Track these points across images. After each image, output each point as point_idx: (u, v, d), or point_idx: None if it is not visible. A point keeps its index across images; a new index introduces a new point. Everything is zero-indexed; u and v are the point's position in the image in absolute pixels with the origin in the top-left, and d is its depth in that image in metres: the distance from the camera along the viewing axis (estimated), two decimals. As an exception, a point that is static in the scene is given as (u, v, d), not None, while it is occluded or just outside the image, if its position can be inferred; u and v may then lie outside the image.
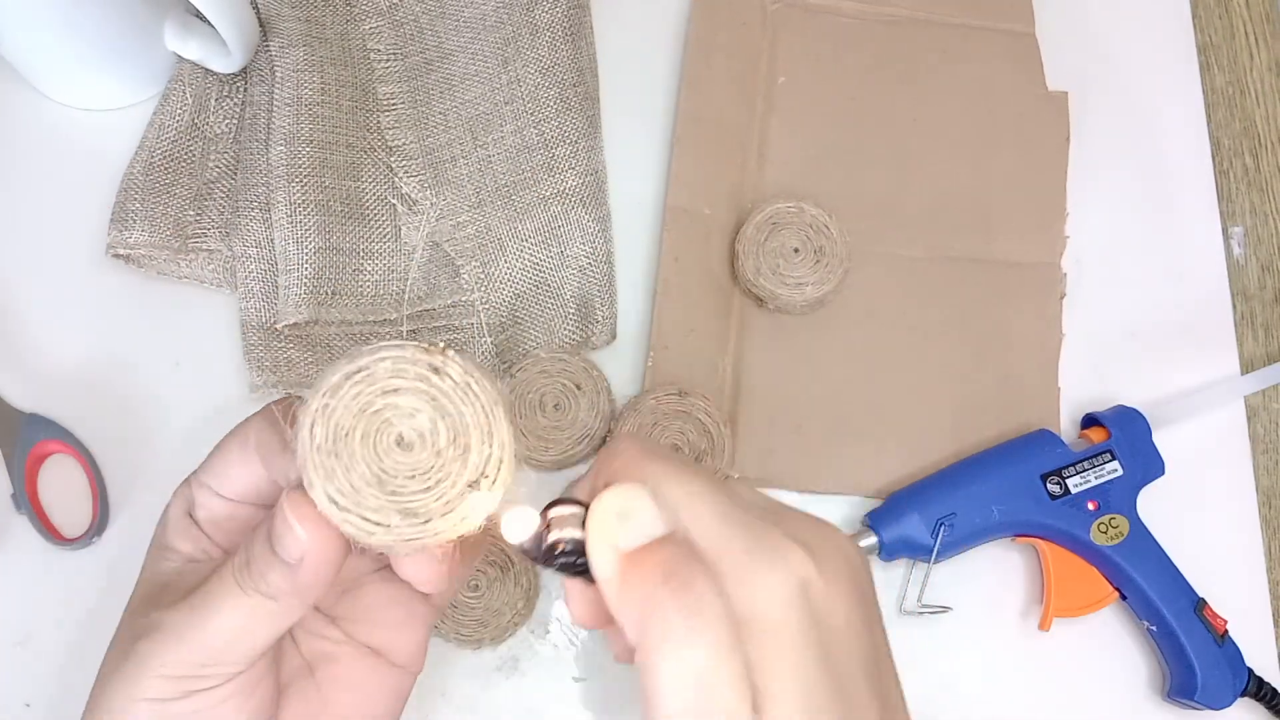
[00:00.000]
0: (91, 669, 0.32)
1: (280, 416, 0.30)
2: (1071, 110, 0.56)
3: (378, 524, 0.27)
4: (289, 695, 0.33)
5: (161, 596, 0.31)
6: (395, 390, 0.27)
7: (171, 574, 0.32)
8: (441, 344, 0.28)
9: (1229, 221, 0.56)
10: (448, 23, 0.53)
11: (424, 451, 0.27)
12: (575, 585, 0.30)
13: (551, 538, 0.28)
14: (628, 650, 0.30)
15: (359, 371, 0.27)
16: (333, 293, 0.48)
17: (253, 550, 0.29)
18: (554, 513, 0.29)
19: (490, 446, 0.28)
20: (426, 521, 0.27)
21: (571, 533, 0.28)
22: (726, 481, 0.30)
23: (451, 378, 0.28)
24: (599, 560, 0.28)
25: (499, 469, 0.28)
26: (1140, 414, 0.49)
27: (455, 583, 0.33)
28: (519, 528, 0.28)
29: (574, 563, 0.28)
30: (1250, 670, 0.46)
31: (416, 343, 0.28)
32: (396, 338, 0.48)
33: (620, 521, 0.28)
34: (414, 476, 0.27)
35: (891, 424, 0.50)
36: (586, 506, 0.29)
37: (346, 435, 0.27)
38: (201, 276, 0.49)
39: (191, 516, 0.33)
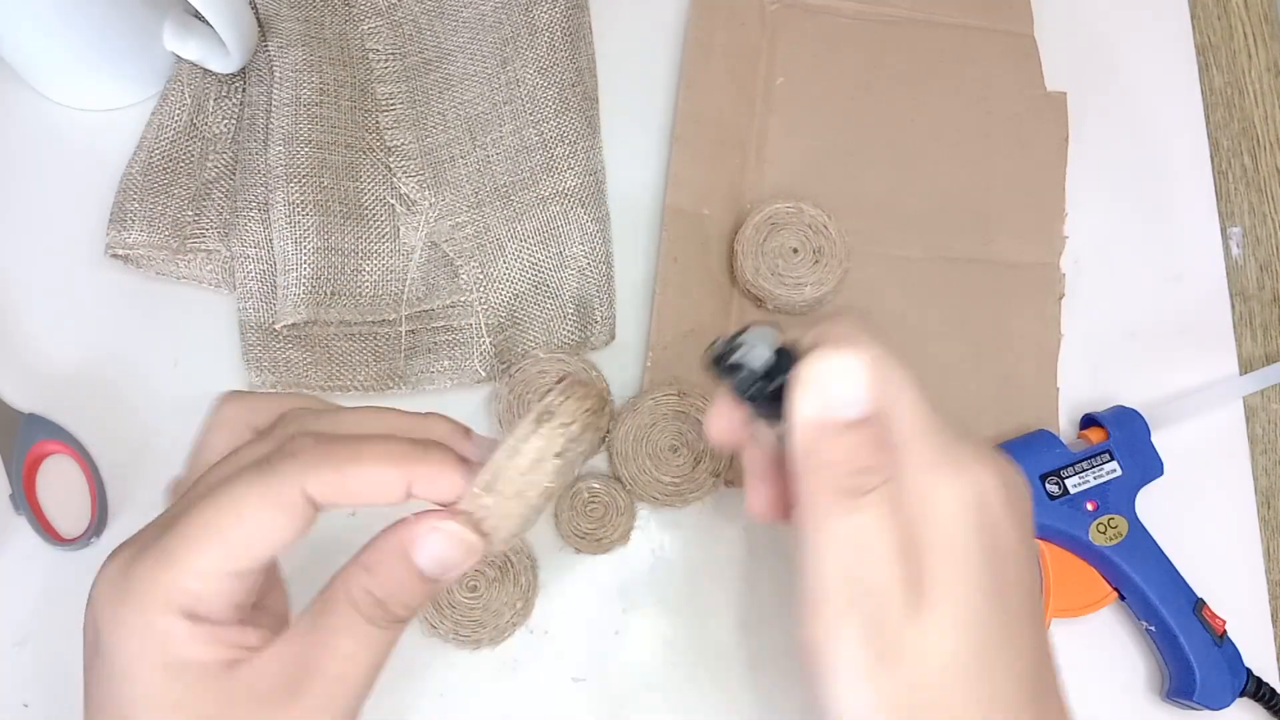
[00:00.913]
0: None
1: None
2: (1070, 111, 0.56)
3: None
4: None
5: (252, 698, 0.28)
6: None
7: (225, 681, 0.28)
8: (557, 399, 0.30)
9: (1227, 222, 0.56)
10: (446, 23, 0.53)
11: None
12: (718, 407, 0.31)
13: (738, 356, 0.29)
14: (770, 501, 0.32)
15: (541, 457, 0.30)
16: (331, 293, 0.48)
17: (387, 581, 0.29)
18: (747, 334, 0.29)
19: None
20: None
21: (762, 351, 0.29)
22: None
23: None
24: (805, 405, 0.29)
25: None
26: (1139, 414, 0.49)
27: None
28: (761, 346, 0.29)
29: (768, 389, 0.29)
30: (1249, 670, 0.46)
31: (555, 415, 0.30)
32: (395, 339, 0.48)
33: (832, 381, 0.29)
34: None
35: (890, 424, 0.50)
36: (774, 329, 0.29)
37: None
38: (200, 277, 0.49)
39: (193, 617, 0.28)
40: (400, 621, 0.29)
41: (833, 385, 0.29)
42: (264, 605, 0.31)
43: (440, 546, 0.29)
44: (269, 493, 0.28)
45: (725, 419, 0.32)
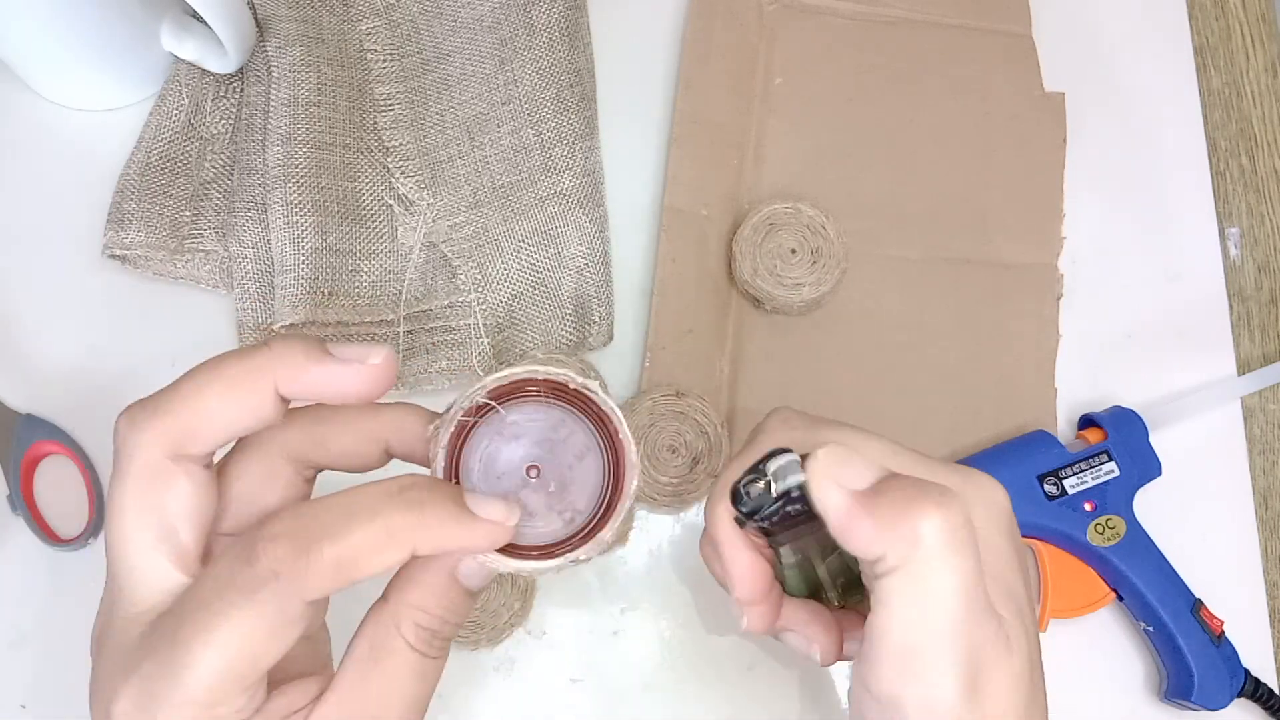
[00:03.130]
0: (87, 670, 0.32)
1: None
2: (1068, 111, 0.56)
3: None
4: None
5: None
6: None
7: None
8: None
9: (1225, 222, 0.56)
10: (445, 23, 0.53)
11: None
12: (741, 551, 0.32)
13: (779, 487, 0.29)
14: (800, 628, 0.33)
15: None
16: (329, 293, 0.48)
17: (439, 609, 0.28)
18: (772, 465, 0.29)
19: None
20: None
21: (796, 478, 0.29)
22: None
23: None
24: (832, 497, 0.29)
25: None
26: (1137, 415, 0.49)
27: None
28: (786, 474, 0.29)
29: (793, 512, 0.29)
30: (1247, 671, 0.46)
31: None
32: (393, 339, 0.48)
33: (844, 466, 0.29)
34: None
35: (888, 425, 0.50)
36: (793, 454, 0.29)
37: None
38: (198, 277, 0.49)
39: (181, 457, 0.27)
40: (449, 641, 0.29)
41: (841, 470, 0.29)
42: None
43: (481, 572, 0.28)
44: (241, 372, 0.27)
45: (753, 574, 0.32)
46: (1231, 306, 0.55)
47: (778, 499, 0.29)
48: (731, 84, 0.54)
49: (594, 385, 0.29)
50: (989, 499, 0.32)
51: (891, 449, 0.32)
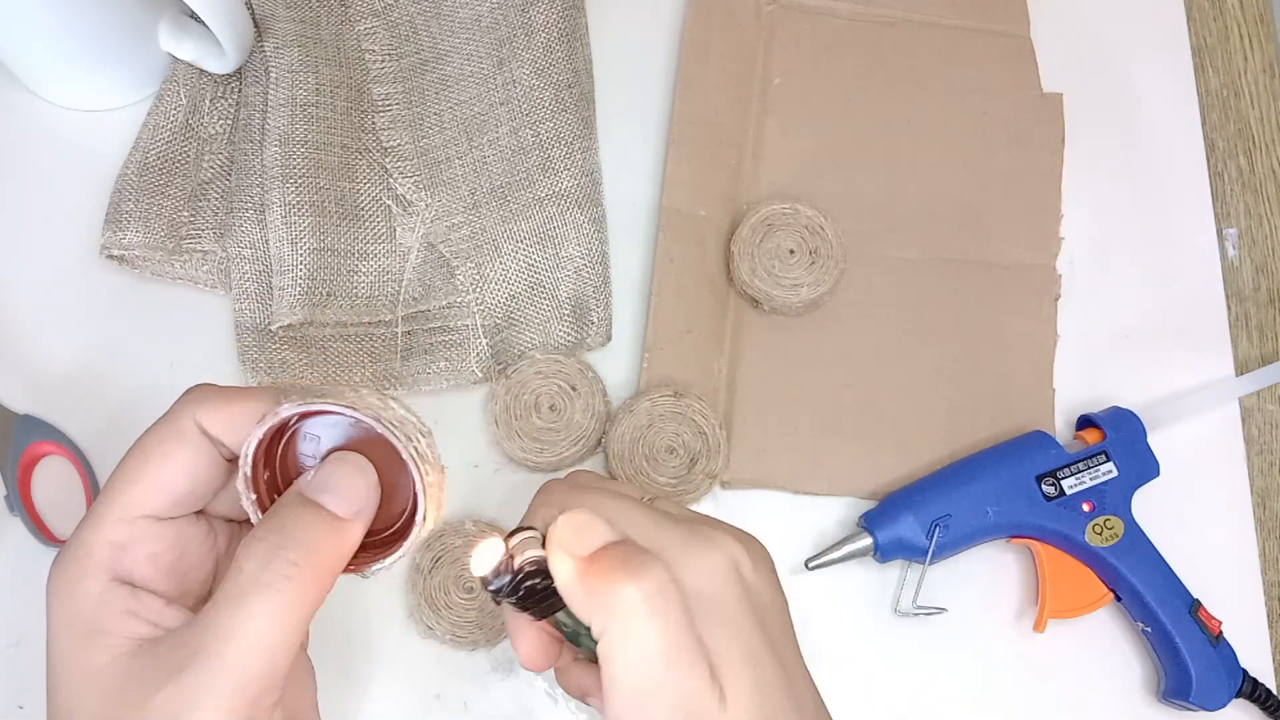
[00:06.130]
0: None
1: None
2: (1066, 112, 0.56)
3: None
4: None
5: (151, 680, 0.27)
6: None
7: (133, 661, 0.28)
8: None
9: (1223, 223, 0.56)
10: (443, 23, 0.53)
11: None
12: (522, 623, 0.33)
13: (518, 561, 0.31)
14: (578, 686, 0.35)
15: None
16: (328, 294, 0.48)
17: (283, 529, 0.29)
18: (514, 540, 0.31)
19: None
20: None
21: (533, 553, 0.31)
22: (653, 500, 0.35)
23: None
24: (561, 567, 0.30)
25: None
26: (1135, 415, 0.49)
27: None
28: (486, 558, 0.30)
29: (538, 585, 0.31)
30: (1245, 671, 0.46)
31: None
32: (391, 340, 0.48)
33: (576, 535, 0.31)
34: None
35: (887, 425, 0.50)
36: (534, 531, 0.31)
37: None
38: (196, 278, 0.49)
39: (117, 579, 0.29)
40: (301, 583, 0.28)
41: (575, 539, 0.31)
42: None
43: (335, 472, 0.30)
44: (165, 428, 0.30)
45: (533, 640, 0.34)
46: (1229, 307, 0.55)
47: (517, 574, 0.31)
48: (730, 85, 0.54)
49: (391, 417, 0.30)
50: (756, 548, 0.33)
51: (633, 512, 0.33)
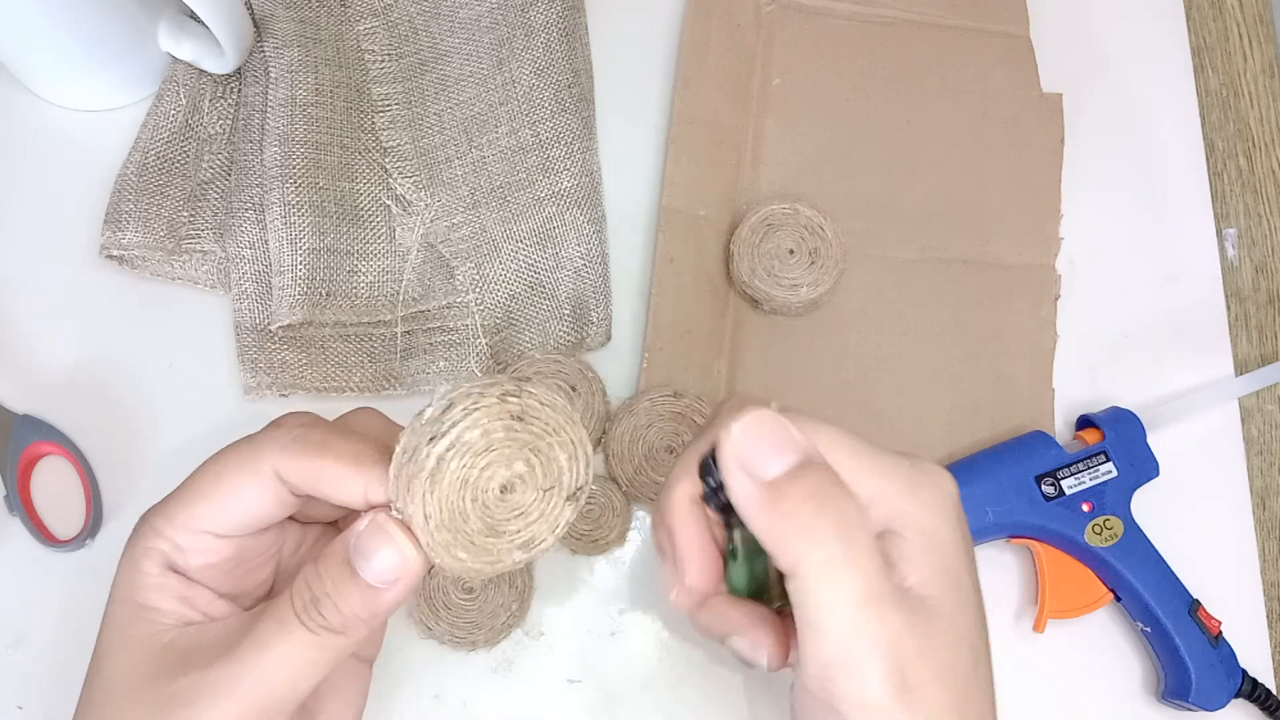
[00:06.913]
0: (84, 671, 0.32)
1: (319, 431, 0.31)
2: (1066, 112, 0.56)
3: (495, 563, 0.30)
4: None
5: (185, 663, 0.30)
6: (490, 449, 0.29)
7: (176, 639, 0.31)
8: (511, 381, 0.29)
9: (1223, 223, 0.57)
10: (442, 23, 0.53)
11: (527, 492, 0.29)
12: (698, 543, 0.31)
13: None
14: (725, 624, 0.32)
15: (450, 450, 0.28)
16: (327, 294, 0.48)
17: (322, 582, 0.29)
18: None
19: (579, 462, 0.30)
20: (539, 545, 0.30)
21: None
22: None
23: (533, 416, 0.29)
24: (739, 487, 0.29)
25: (589, 478, 0.30)
26: (1135, 415, 0.49)
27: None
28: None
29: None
30: (1244, 671, 0.46)
31: (492, 385, 0.29)
32: (391, 340, 0.48)
33: (757, 443, 0.29)
34: (520, 514, 0.30)
35: (886, 425, 0.50)
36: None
37: (456, 512, 0.29)
38: (195, 278, 0.49)
39: (174, 570, 0.32)
40: (333, 632, 0.29)
41: (757, 444, 0.29)
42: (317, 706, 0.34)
43: (373, 541, 0.29)
44: (246, 463, 0.31)
45: (706, 553, 0.32)
46: (1229, 307, 0.55)
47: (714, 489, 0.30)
48: (729, 84, 0.54)
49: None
50: (935, 487, 0.32)
51: (849, 438, 0.31)
